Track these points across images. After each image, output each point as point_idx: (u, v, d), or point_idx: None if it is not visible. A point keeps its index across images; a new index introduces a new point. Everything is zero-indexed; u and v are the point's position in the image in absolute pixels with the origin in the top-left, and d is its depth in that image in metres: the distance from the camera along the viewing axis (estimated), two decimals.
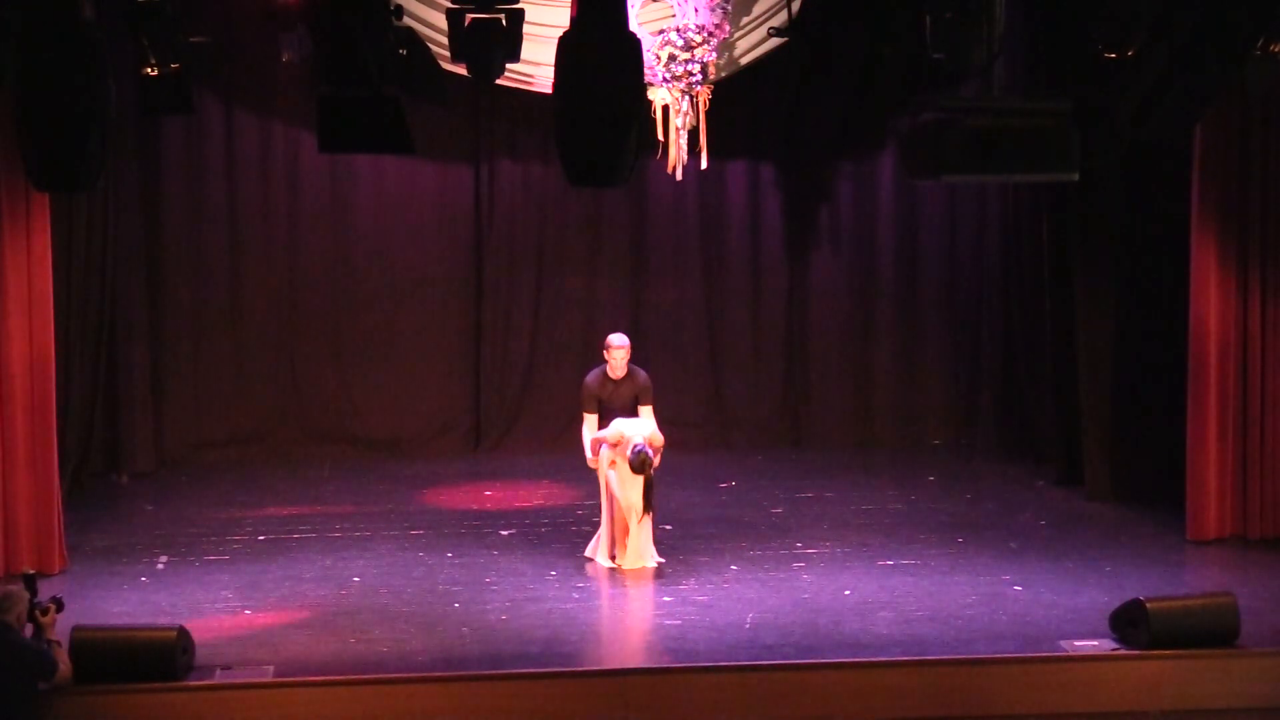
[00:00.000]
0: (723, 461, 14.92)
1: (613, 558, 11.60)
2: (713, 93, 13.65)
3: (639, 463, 11.27)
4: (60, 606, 9.01)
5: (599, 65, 8.04)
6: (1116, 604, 10.14)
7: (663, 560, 11.60)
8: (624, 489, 11.44)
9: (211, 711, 9.34)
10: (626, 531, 11.52)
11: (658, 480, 11.55)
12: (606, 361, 11.82)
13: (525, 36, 9.98)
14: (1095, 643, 9.91)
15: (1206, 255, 12.04)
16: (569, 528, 12.53)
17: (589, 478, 12.00)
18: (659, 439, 11.54)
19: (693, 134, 13.68)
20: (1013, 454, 15.09)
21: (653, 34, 13.31)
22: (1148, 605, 9.77)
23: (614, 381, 11.77)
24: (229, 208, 15.09)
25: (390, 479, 14.34)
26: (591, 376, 11.88)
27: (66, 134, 8.15)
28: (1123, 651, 9.81)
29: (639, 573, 11.47)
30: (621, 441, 11.40)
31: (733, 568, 11.64)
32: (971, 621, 10.43)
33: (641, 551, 11.52)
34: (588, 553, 11.75)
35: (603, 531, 11.70)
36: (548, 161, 14.74)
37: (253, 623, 10.51)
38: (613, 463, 11.52)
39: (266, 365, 15.22)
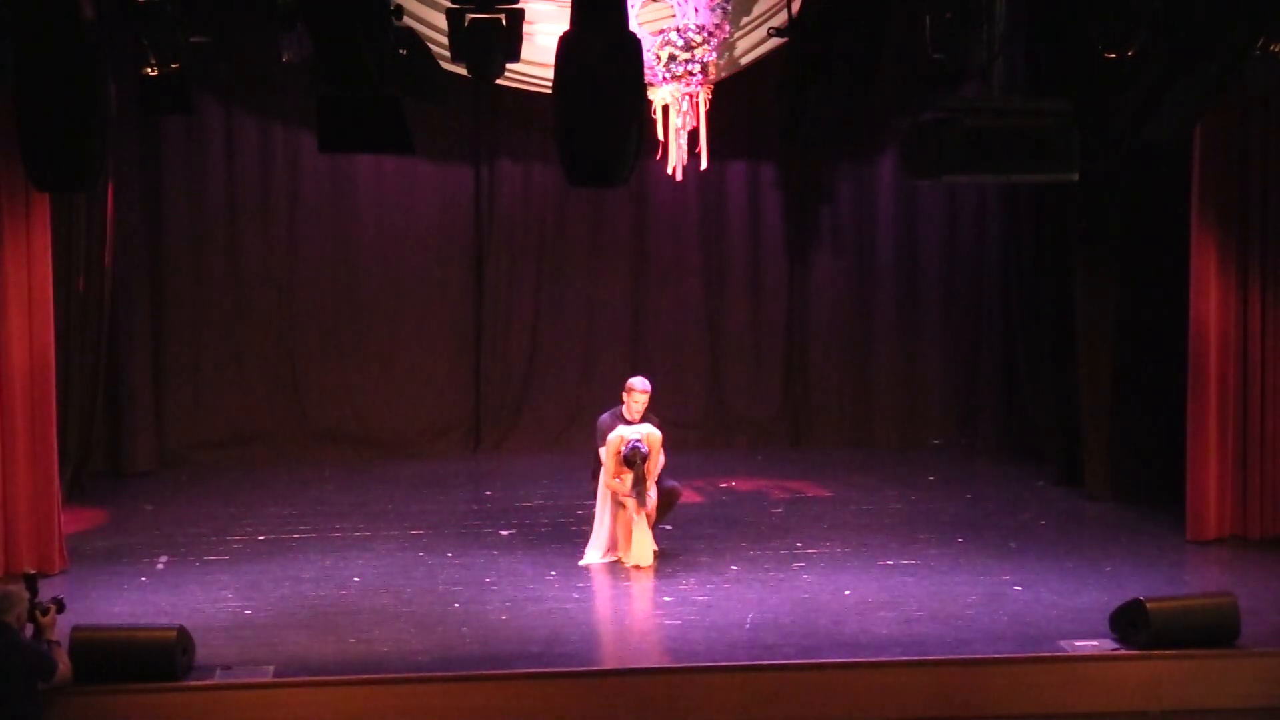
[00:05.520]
0: (723, 461, 14.92)
1: (614, 550, 11.61)
2: (713, 93, 13.66)
3: (631, 457, 11.29)
4: (61, 608, 9.00)
5: (599, 65, 8.04)
6: (1116, 604, 10.13)
7: (658, 549, 11.62)
8: (625, 486, 11.47)
9: (211, 711, 9.34)
10: (630, 532, 11.53)
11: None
12: (624, 403, 11.69)
13: (525, 36, 9.98)
14: (1095, 643, 9.91)
15: (1206, 255, 12.05)
16: (569, 528, 12.53)
17: (589, 477, 11.98)
18: (657, 438, 11.53)
19: (693, 134, 13.70)
20: (1013, 454, 15.10)
21: (653, 34, 13.32)
22: (1148, 605, 9.77)
23: (628, 425, 11.64)
24: (229, 208, 15.10)
25: (390, 479, 14.35)
26: (606, 418, 11.71)
27: (66, 134, 8.14)
28: (1123, 651, 9.81)
29: (639, 573, 11.48)
30: (621, 441, 11.43)
31: (733, 568, 11.64)
32: (971, 621, 10.43)
33: (644, 548, 11.53)
34: (583, 562, 11.72)
35: (598, 533, 11.69)
36: (548, 161, 14.74)
37: (253, 623, 10.51)
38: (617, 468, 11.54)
39: (266, 365, 15.23)
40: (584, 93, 8.07)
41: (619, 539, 11.62)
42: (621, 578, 11.48)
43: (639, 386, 11.72)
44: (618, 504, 11.58)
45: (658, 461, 11.59)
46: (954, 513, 13.18)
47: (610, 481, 11.55)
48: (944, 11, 9.08)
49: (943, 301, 15.79)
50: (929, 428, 15.78)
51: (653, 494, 11.55)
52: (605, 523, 11.68)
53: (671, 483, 11.87)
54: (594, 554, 11.69)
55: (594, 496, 11.80)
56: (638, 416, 11.67)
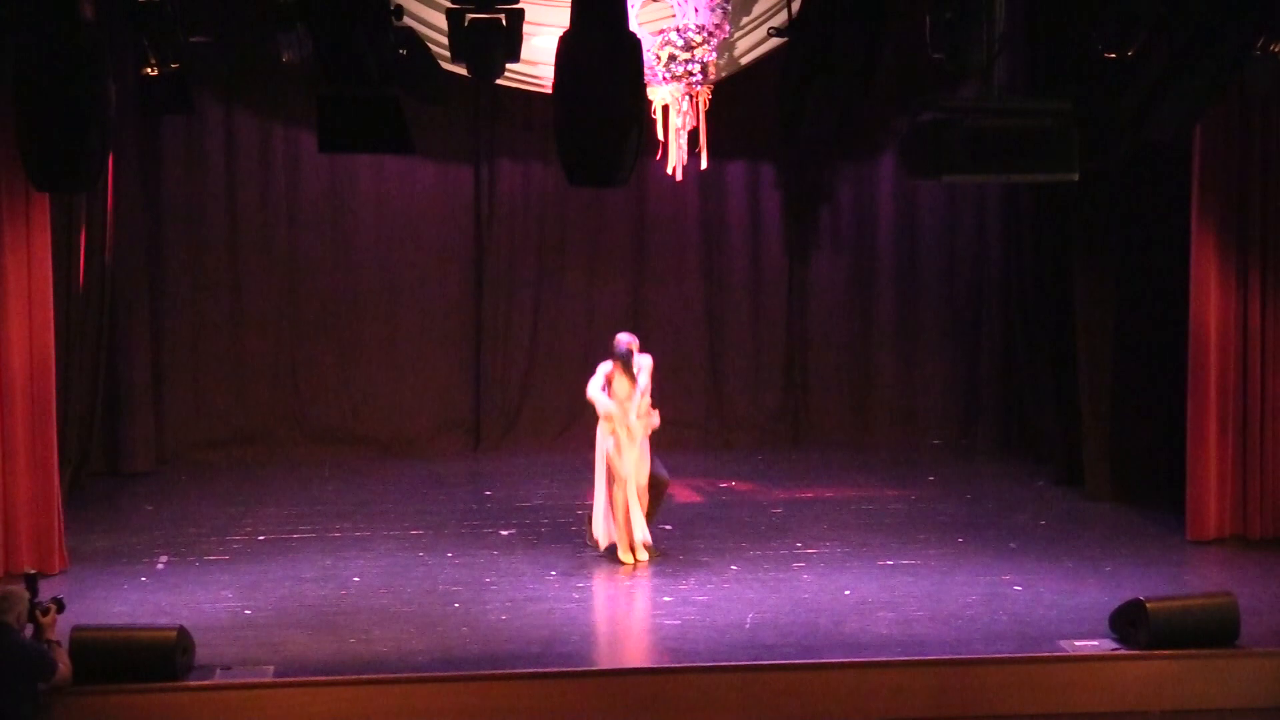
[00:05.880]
0: (723, 461, 14.93)
1: (629, 550, 11.62)
2: (713, 93, 13.66)
3: (619, 353, 11.63)
4: (61, 607, 9.00)
5: (599, 65, 8.04)
6: (1116, 604, 10.14)
7: (651, 545, 11.67)
8: (622, 458, 11.55)
9: (211, 711, 9.34)
10: (629, 520, 11.54)
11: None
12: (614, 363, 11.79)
13: (525, 35, 9.98)
14: (1095, 643, 9.92)
15: (1206, 255, 12.05)
16: (569, 528, 12.53)
17: (588, 476, 11.99)
18: (647, 361, 11.77)
19: (693, 134, 13.69)
20: (1013, 454, 15.10)
21: (653, 34, 13.31)
22: (1148, 605, 9.77)
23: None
24: (229, 208, 15.10)
25: (390, 479, 14.35)
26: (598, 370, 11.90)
27: (66, 134, 8.14)
28: (1123, 651, 9.81)
29: (638, 573, 11.48)
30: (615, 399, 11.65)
31: (733, 568, 11.64)
32: (971, 621, 10.43)
33: (640, 534, 11.61)
34: (590, 540, 11.75)
35: (599, 514, 11.71)
36: (548, 161, 14.76)
37: (253, 623, 10.51)
38: (613, 431, 11.60)
39: (266, 365, 15.23)
40: (584, 93, 8.07)
41: (617, 530, 11.62)
42: (622, 578, 11.48)
43: (624, 339, 11.82)
44: (614, 484, 11.59)
45: (647, 385, 11.70)
46: (954, 513, 13.19)
47: (594, 393, 11.63)
48: (944, 11, 9.07)
49: (943, 301, 15.79)
50: (929, 428, 15.78)
51: (634, 422, 11.63)
52: (603, 496, 11.70)
53: (660, 470, 11.86)
54: (598, 527, 11.70)
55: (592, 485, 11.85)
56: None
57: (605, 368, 11.73)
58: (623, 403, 11.63)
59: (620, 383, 11.68)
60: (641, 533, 11.62)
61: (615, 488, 11.62)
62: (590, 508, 11.89)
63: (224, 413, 15.16)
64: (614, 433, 11.62)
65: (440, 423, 15.49)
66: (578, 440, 12.17)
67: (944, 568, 11.60)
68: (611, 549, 11.69)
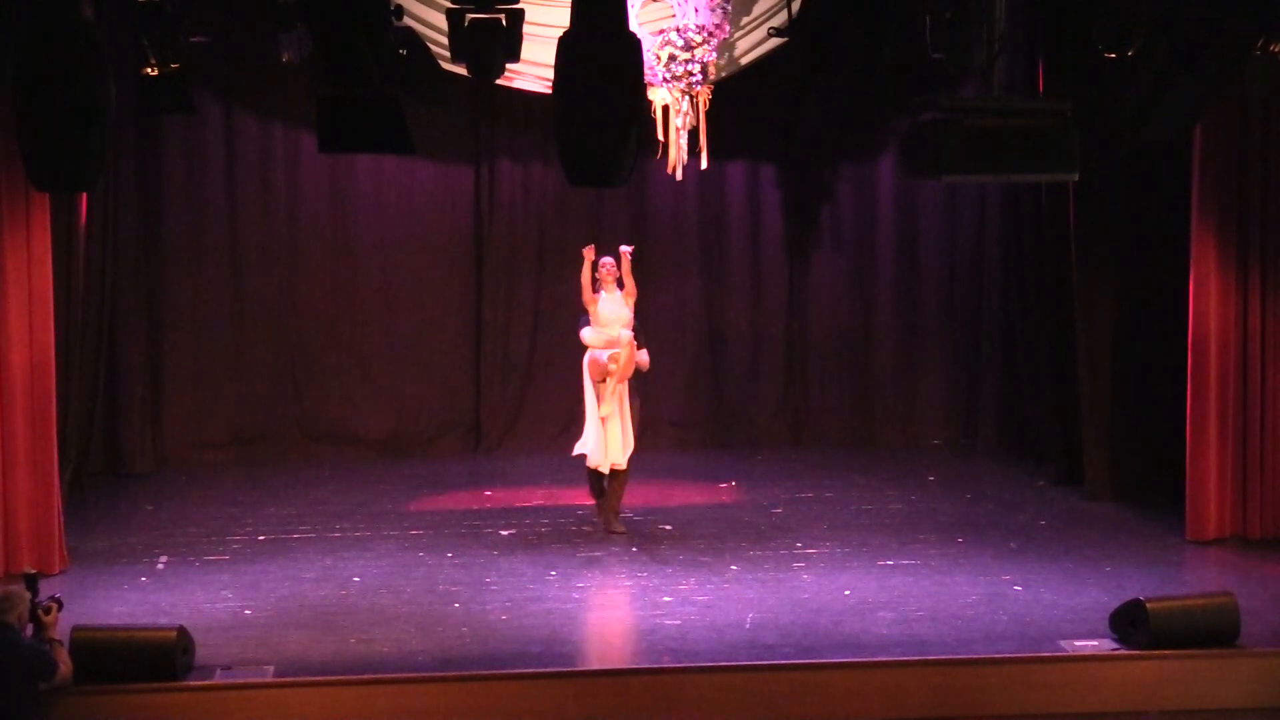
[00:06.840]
0: (723, 461, 14.92)
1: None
2: (713, 93, 13.66)
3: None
4: (61, 606, 9.01)
5: (599, 65, 8.04)
6: (1116, 604, 10.14)
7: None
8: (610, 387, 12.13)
9: (211, 711, 9.34)
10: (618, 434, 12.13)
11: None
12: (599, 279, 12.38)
13: (525, 36, 9.98)
14: (1095, 643, 9.92)
15: (1206, 255, 12.05)
16: (569, 528, 12.54)
17: (587, 470, 12.11)
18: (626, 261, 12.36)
19: (693, 134, 13.69)
20: (1013, 454, 15.10)
21: (653, 34, 13.31)
22: (1148, 605, 9.77)
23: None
24: (229, 208, 15.10)
25: (390, 479, 14.34)
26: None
27: (66, 134, 8.14)
28: (1123, 651, 9.81)
29: (639, 573, 11.48)
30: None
31: (733, 568, 11.65)
32: (971, 621, 10.43)
33: (617, 447, 12.17)
34: (577, 451, 12.22)
35: (591, 434, 12.12)
36: (548, 161, 14.76)
37: (253, 623, 10.51)
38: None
39: (266, 365, 15.22)
40: (584, 93, 8.07)
41: (605, 443, 12.05)
42: (621, 578, 11.48)
43: (608, 262, 12.39)
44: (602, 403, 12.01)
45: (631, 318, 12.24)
46: (954, 513, 13.18)
47: (588, 336, 12.22)
48: (944, 11, 9.08)
49: (943, 301, 15.79)
50: (929, 428, 15.77)
51: (642, 356, 12.17)
52: (595, 423, 12.05)
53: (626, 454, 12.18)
54: (595, 450, 12.05)
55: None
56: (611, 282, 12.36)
57: (590, 279, 12.28)
58: (613, 327, 12.16)
59: (608, 306, 12.21)
60: (614, 454, 12.04)
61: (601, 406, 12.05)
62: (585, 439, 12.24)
63: (224, 413, 15.16)
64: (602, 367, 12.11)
65: (440, 423, 15.49)
66: (577, 441, 12.19)
67: (944, 568, 11.60)
68: (614, 540, 11.81)
